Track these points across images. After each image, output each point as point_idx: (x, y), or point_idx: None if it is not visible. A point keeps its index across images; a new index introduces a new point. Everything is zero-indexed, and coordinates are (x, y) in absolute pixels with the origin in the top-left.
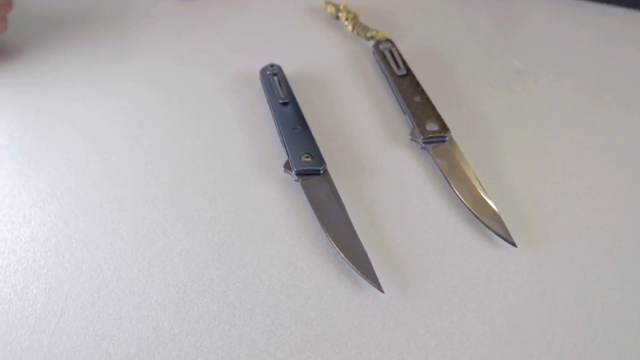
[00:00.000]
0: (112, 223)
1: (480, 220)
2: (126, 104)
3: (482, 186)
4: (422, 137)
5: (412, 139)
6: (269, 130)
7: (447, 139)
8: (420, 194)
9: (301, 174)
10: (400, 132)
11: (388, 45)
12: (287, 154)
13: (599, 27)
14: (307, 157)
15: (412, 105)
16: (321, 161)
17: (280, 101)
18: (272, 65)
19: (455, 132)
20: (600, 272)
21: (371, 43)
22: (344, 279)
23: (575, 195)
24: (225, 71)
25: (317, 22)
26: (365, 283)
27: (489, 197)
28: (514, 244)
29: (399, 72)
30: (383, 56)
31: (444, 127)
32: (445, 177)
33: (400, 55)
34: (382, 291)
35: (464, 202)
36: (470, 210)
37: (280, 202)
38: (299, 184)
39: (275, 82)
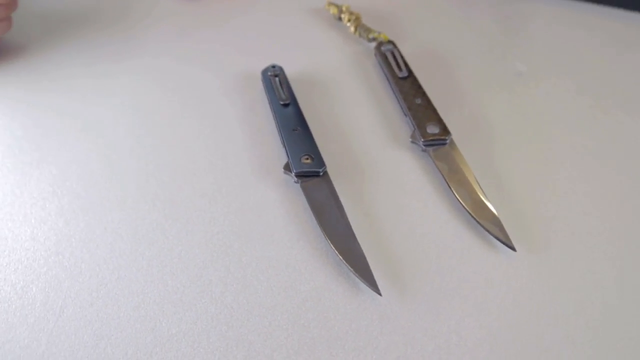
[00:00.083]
0: (112, 223)
1: (480, 224)
2: (128, 103)
3: (482, 190)
4: (422, 140)
5: (412, 142)
6: (270, 131)
7: (447, 141)
8: (420, 197)
9: (301, 175)
10: (401, 134)
11: (390, 46)
12: (287, 156)
13: (603, 30)
14: (307, 158)
15: (413, 108)
16: (321, 163)
17: (281, 102)
18: (273, 66)
19: (456, 134)
20: (600, 279)
21: (373, 44)
22: (342, 282)
23: (576, 200)
24: (227, 71)
25: (319, 23)
26: (363, 286)
27: (489, 200)
28: (513, 249)
29: (400, 74)
30: (385, 58)
31: (444, 130)
32: (445, 180)
33: (402, 57)
34: (379, 294)
35: (464, 205)
36: (470, 214)
37: (279, 204)
38: (298, 185)
39: (276, 83)
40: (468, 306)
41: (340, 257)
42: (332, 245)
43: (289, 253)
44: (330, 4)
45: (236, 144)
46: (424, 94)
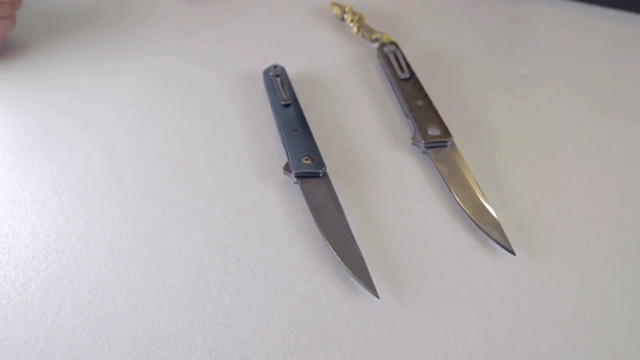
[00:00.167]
0: (111, 221)
1: (480, 228)
2: (129, 102)
3: (482, 193)
4: (423, 142)
5: (413, 143)
6: (270, 132)
7: (448, 143)
8: (420, 199)
9: (300, 176)
10: (402, 135)
11: (392, 48)
12: (287, 156)
13: (607, 32)
14: (307, 159)
15: (414, 109)
16: (321, 164)
17: (282, 102)
18: (275, 67)
19: (458, 136)
20: (600, 283)
21: (376, 45)
22: (339, 283)
23: (576, 204)
24: (228, 71)
25: (322, 23)
26: (361, 288)
27: (489, 204)
28: (513, 253)
29: (402, 75)
30: (387, 59)
31: (445, 132)
32: (445, 182)
33: (404, 58)
34: (377, 296)
35: (464, 208)
36: (470, 217)
37: (279, 204)
38: (298, 186)
39: (277, 83)
40: (466, 310)
41: (339, 258)
42: (330, 247)
43: (288, 254)
44: (333, 4)
45: (236, 144)
46: (425, 96)
